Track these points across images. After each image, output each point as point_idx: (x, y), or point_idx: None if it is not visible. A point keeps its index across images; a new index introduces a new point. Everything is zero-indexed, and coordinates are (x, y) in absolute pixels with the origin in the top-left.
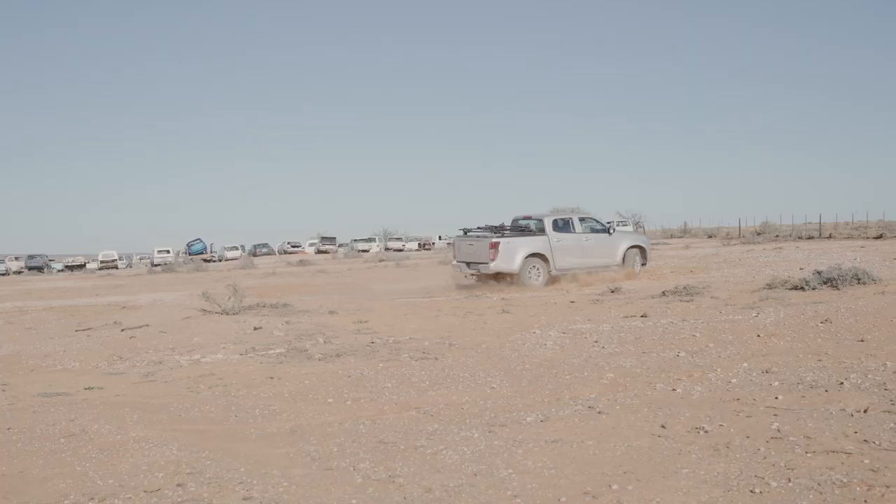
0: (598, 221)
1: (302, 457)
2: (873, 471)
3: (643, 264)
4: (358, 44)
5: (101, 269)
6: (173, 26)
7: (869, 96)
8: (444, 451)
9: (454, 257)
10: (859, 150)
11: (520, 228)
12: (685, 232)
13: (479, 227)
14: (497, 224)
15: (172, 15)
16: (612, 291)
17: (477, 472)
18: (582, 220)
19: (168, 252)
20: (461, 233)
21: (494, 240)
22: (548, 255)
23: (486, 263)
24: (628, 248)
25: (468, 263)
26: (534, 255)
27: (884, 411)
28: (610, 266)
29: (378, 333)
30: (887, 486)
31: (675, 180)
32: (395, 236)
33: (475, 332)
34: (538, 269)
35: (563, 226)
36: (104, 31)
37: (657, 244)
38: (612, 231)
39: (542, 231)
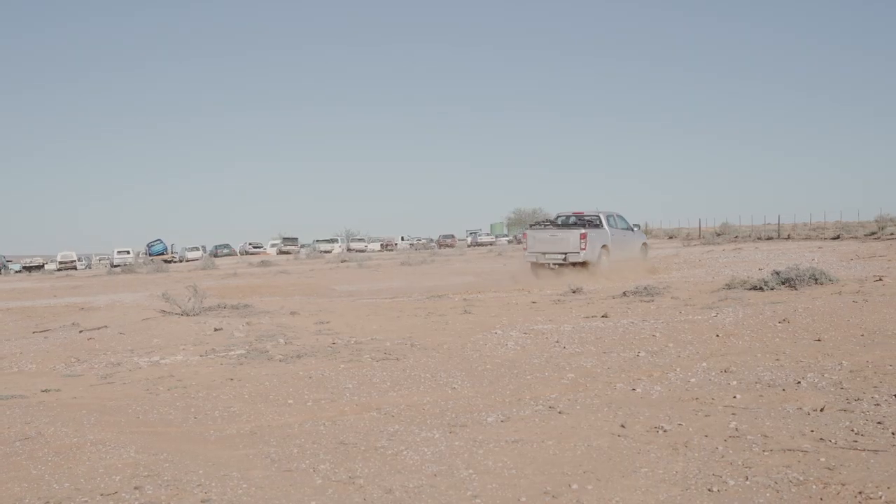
0: (625, 220)
1: (261, 458)
2: (829, 469)
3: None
4: (358, 44)
5: (59, 269)
6: (173, 26)
7: (830, 98)
8: (404, 452)
9: (525, 249)
10: (817, 151)
11: (583, 223)
12: (646, 232)
13: (538, 223)
14: (550, 219)
15: (172, 15)
16: (574, 292)
17: (437, 472)
18: (619, 217)
19: (128, 253)
20: (527, 227)
21: (583, 231)
22: (610, 246)
23: (577, 252)
24: (642, 244)
25: (545, 253)
26: (604, 246)
27: (840, 410)
28: (633, 258)
29: (339, 334)
30: (843, 484)
31: (638, 180)
32: (358, 237)
33: (437, 333)
34: (605, 259)
35: (612, 222)
36: (104, 31)
37: None
38: (634, 229)
39: (600, 226)
